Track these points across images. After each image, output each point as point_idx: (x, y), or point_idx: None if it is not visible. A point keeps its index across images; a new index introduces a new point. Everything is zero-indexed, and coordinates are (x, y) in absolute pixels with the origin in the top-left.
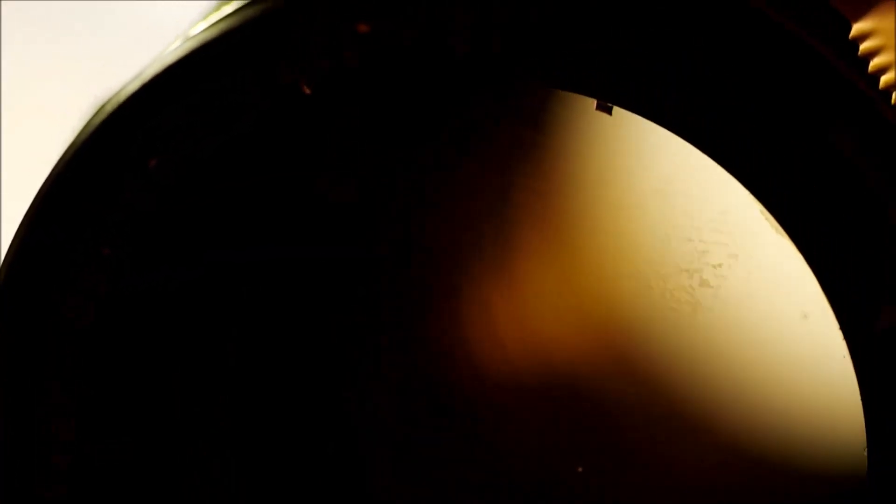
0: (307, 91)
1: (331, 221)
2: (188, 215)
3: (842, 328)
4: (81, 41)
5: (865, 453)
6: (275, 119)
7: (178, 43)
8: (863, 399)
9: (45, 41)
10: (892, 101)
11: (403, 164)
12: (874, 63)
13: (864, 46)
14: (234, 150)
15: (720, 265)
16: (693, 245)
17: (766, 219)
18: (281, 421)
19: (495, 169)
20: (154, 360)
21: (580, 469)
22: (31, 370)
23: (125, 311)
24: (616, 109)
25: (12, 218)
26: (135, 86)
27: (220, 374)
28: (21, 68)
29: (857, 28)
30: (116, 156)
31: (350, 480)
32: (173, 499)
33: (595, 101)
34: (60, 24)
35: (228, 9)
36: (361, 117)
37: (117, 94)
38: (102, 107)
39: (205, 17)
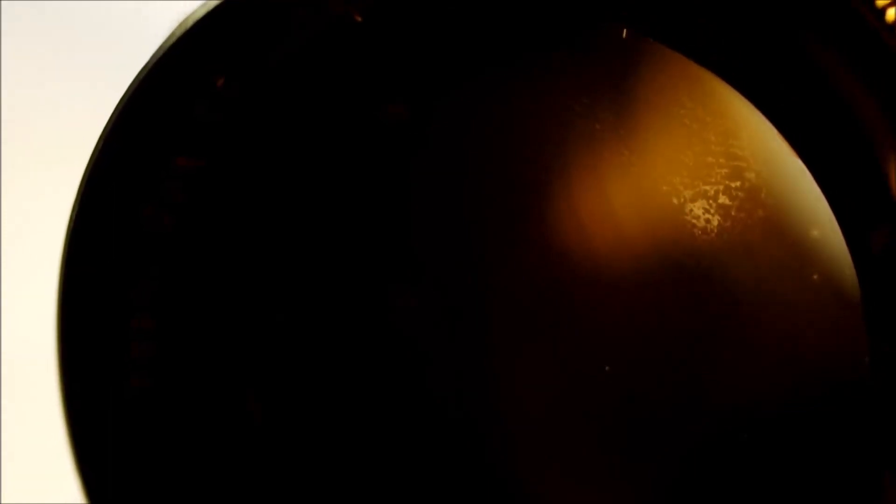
0: (358, 19)
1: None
2: (253, 132)
3: (849, 247)
4: (82, 41)
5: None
6: (331, 45)
7: None
8: (865, 315)
9: (45, 41)
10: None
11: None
12: None
13: None
14: (293, 71)
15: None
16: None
17: (781, 141)
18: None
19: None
20: (225, 263)
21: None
22: (112, 274)
23: (199, 220)
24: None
25: (12, 214)
26: (200, 13)
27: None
28: (21, 68)
29: None
30: (187, 75)
31: (470, 372)
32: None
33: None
34: (61, 24)
35: None
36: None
37: (185, 20)
38: (173, 32)
39: None
